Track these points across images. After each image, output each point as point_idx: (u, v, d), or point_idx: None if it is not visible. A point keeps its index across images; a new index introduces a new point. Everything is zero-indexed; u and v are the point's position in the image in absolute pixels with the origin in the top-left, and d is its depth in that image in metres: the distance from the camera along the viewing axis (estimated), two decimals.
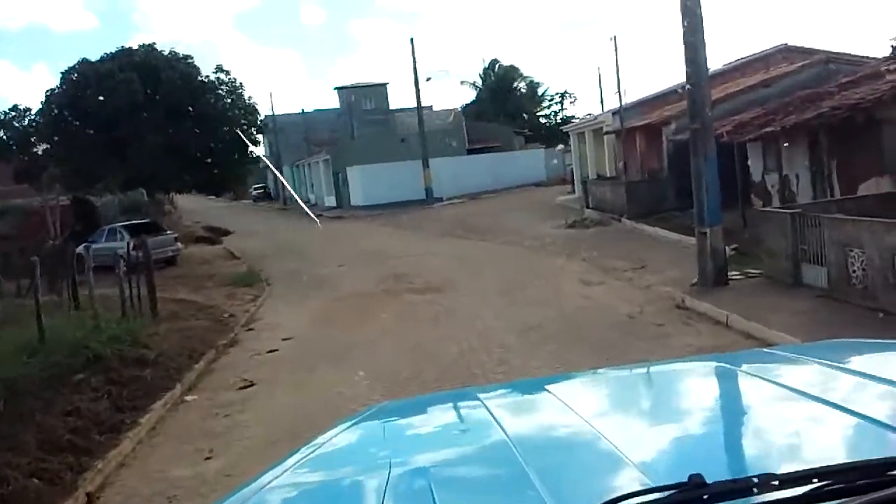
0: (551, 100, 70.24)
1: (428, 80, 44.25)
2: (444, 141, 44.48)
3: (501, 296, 13.69)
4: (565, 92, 69.72)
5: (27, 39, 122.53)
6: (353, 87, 59.66)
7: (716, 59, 12.59)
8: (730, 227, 13.15)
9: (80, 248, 22.52)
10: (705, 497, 1.16)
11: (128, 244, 19.91)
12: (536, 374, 7.67)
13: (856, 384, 1.89)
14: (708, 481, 1.17)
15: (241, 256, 26.31)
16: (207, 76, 31.18)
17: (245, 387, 9.72)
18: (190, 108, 30.07)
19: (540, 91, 70.12)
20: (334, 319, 13.51)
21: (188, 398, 9.52)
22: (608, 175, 29.06)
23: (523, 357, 9.28)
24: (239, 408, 8.80)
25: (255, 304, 16.22)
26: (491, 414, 1.97)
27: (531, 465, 1.52)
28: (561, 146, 40.29)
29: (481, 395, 2.23)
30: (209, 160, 31.27)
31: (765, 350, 2.97)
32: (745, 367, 2.25)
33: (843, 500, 1.16)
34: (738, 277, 12.09)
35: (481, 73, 69.41)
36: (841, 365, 2.07)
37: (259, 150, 44.95)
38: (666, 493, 1.17)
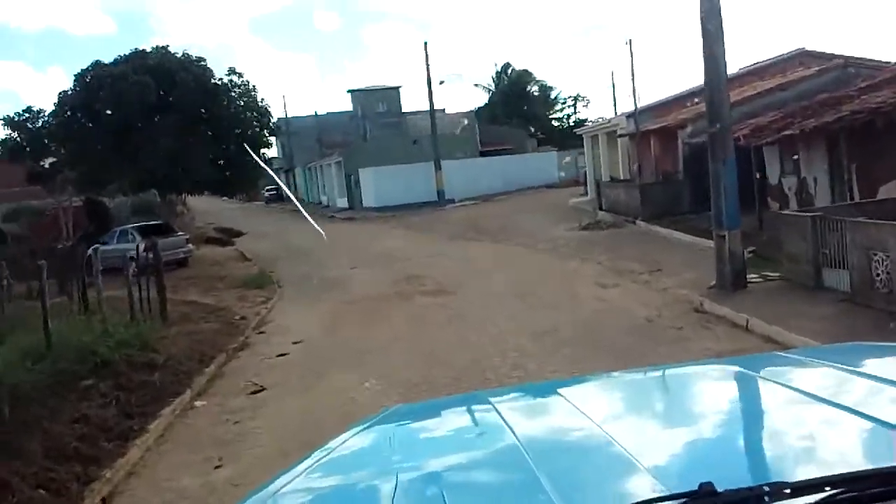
0: (564, 103, 70.23)
1: (441, 83, 44.35)
2: (456, 143, 44.29)
3: (515, 299, 13.50)
4: (578, 95, 69.82)
5: (44, 42, 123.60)
6: (366, 90, 59.62)
7: (733, 63, 12.56)
8: (746, 230, 12.92)
9: (90, 251, 22.55)
10: None
11: (137, 246, 19.86)
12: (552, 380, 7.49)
13: (871, 388, 1.86)
14: (719, 489, 1.16)
15: (252, 258, 26.21)
16: (221, 79, 31.14)
17: (255, 392, 9.57)
18: (203, 111, 30.04)
19: (552, 94, 70.15)
20: (345, 323, 13.36)
21: (198, 403, 9.37)
22: (622, 178, 28.86)
23: (539, 362, 9.09)
24: (249, 414, 8.65)
25: (266, 306, 16.09)
26: (502, 418, 1.96)
27: (542, 469, 1.51)
28: (567, 158, 39.91)
29: (493, 399, 2.21)
30: (221, 162, 31.21)
31: (779, 353, 2.87)
32: (758, 370, 2.25)
33: None
34: (756, 281, 11.87)
35: (494, 76, 69.51)
36: (856, 369, 2.03)
37: (271, 152, 44.95)
38: (676, 502, 1.16)
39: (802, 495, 1.16)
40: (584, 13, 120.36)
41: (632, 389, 2.38)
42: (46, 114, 30.68)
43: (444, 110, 52.35)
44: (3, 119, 31.16)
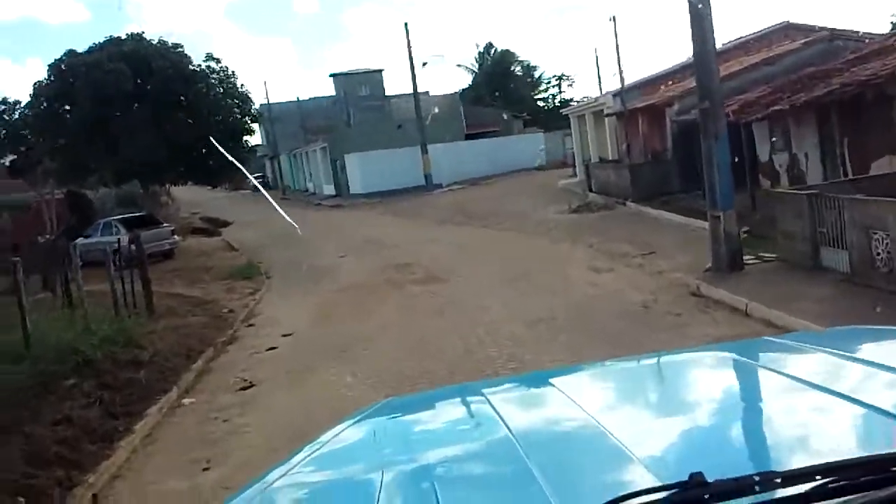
0: (548, 83, 69.76)
1: (424, 65, 43.74)
2: (441, 126, 43.86)
3: (507, 285, 13.27)
4: (562, 75, 69.21)
5: (20, 33, 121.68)
6: (348, 73, 58.94)
7: (717, 38, 12.35)
8: (739, 210, 12.71)
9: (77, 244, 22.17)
10: (706, 497, 1.13)
11: (119, 239, 19.52)
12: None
13: (866, 373, 1.84)
14: (710, 479, 1.15)
15: (239, 248, 25.85)
16: (199, 65, 30.68)
17: (245, 388, 9.32)
18: (182, 98, 29.59)
19: (536, 74, 69.68)
20: (335, 313, 13.11)
21: (185, 401, 9.11)
22: (610, 158, 28.60)
23: (534, 351, 8.87)
24: (238, 411, 8.40)
25: (254, 297, 15.82)
26: (495, 409, 1.96)
27: (534, 461, 1.51)
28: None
29: (485, 391, 2.20)
30: (203, 150, 30.80)
31: (772, 338, 2.88)
32: (751, 356, 2.26)
33: (847, 497, 1.13)
34: (753, 262, 11.68)
35: (476, 57, 68.95)
36: (850, 354, 2.02)
37: (255, 139, 44.43)
38: (666, 493, 1.15)
39: (793, 484, 1.15)
40: None
41: (625, 378, 2.37)
42: (22, 105, 30.18)
43: (427, 93, 51.85)
44: None
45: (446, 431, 2.09)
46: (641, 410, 1.97)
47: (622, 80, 25.96)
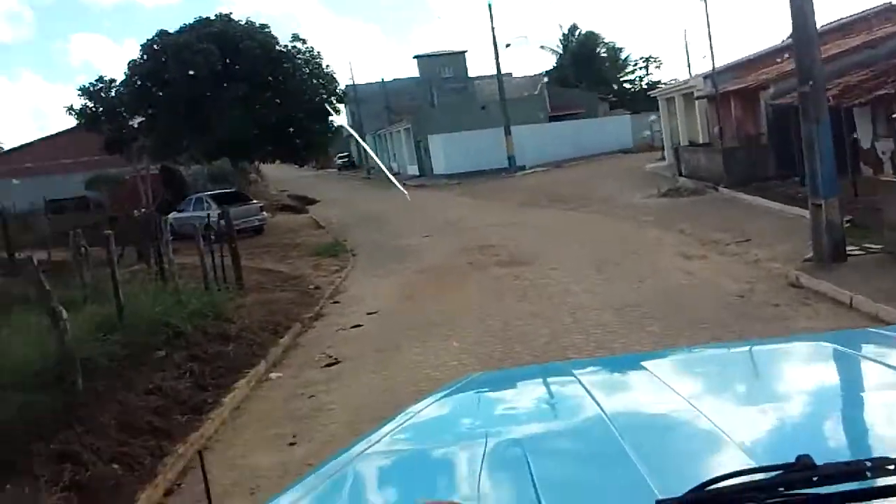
0: (635, 65, 68.24)
1: (507, 46, 43.43)
2: (525, 108, 43.36)
3: (593, 270, 12.97)
4: (650, 57, 67.64)
5: (119, 15, 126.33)
6: (431, 55, 58.90)
7: (816, 19, 11.71)
8: (840, 198, 12.08)
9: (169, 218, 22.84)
10: (814, 479, 1.10)
11: (214, 214, 19.99)
12: None
13: None
14: (817, 463, 1.11)
15: (325, 226, 26.20)
16: (286, 46, 31.06)
17: (330, 364, 9.37)
18: (269, 78, 30.05)
19: (622, 56, 68.19)
20: (419, 293, 13.08)
21: (272, 375, 9.23)
22: (700, 142, 27.77)
23: (624, 339, 8.60)
24: (323, 388, 8.44)
25: (340, 275, 15.95)
26: (585, 389, 1.91)
27: (628, 441, 1.48)
28: (653, 117, 38.37)
29: (575, 370, 2.18)
30: (290, 129, 31.25)
31: (873, 329, 2.79)
32: (852, 347, 2.19)
33: None
34: (857, 253, 11.06)
35: (561, 38, 67.92)
36: None
37: (340, 120, 44.91)
38: (773, 474, 1.12)
39: None
40: None
41: (720, 364, 2.31)
42: (118, 83, 31.16)
43: (511, 74, 51.36)
44: (80, 89, 31.86)
45: (537, 408, 2.07)
46: (740, 396, 1.90)
47: (713, 61, 25.10)
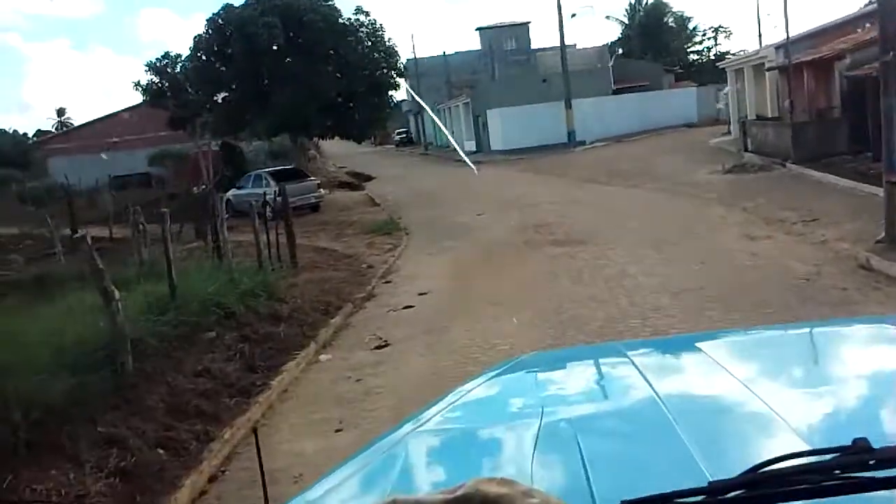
0: (703, 35, 66.33)
1: (573, 16, 43.01)
2: (588, 81, 42.47)
3: (653, 250, 12.57)
4: (719, 26, 65.61)
5: None
6: (494, 27, 58.27)
7: None
8: None
9: (228, 195, 23.10)
10: (871, 462, 1.05)
11: (272, 191, 20.11)
12: None
13: None
14: (875, 446, 1.07)
15: (381, 203, 26.17)
16: (349, 18, 30.91)
17: (380, 346, 9.27)
18: (331, 51, 29.95)
19: (690, 26, 66.32)
20: (472, 273, 12.89)
21: (322, 357, 9.17)
22: (769, 115, 26.78)
23: (682, 324, 8.26)
24: (371, 371, 8.34)
25: (393, 254, 15.87)
26: (638, 369, 1.89)
27: (680, 422, 1.47)
28: (726, 89, 37.05)
29: (628, 351, 2.14)
30: (350, 104, 31.18)
31: None
32: None
33: None
34: None
35: (627, 8, 66.39)
36: None
37: (400, 94, 44.76)
38: (828, 456, 1.09)
39: None
40: None
41: (776, 345, 2.24)
42: (183, 58, 31.44)
43: (574, 46, 50.36)
44: (147, 65, 32.32)
45: (588, 388, 2.07)
46: (795, 379, 1.86)
47: (787, 29, 24.04)
